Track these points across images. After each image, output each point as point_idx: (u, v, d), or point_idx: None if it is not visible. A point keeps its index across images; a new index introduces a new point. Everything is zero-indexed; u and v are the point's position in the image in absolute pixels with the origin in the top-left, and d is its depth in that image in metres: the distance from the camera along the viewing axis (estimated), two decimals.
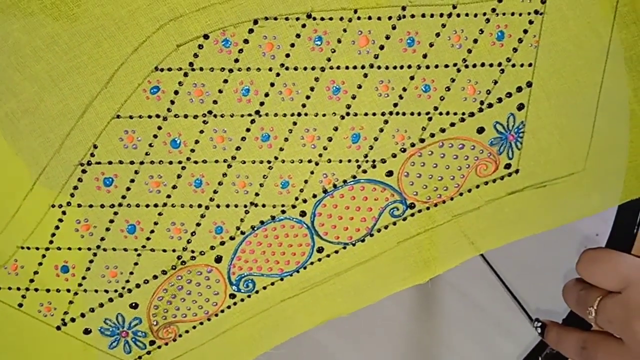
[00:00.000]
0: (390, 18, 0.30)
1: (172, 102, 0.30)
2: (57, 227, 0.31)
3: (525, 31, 0.32)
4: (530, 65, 0.32)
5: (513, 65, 0.32)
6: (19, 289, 0.32)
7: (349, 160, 0.33)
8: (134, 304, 0.33)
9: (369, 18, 0.30)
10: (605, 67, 0.33)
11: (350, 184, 0.33)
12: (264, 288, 0.34)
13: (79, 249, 0.32)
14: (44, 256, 0.31)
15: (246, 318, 0.35)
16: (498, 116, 0.33)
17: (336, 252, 0.34)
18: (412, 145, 0.33)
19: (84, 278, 0.32)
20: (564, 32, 0.32)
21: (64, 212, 0.31)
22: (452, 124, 0.33)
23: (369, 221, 0.34)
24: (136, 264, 0.32)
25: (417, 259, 0.35)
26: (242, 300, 0.34)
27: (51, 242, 0.31)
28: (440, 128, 0.33)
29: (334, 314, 0.35)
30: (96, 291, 0.32)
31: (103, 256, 0.32)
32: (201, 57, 0.29)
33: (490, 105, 0.33)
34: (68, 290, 0.32)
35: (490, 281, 0.38)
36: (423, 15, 0.31)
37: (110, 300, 0.33)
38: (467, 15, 0.31)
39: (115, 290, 0.33)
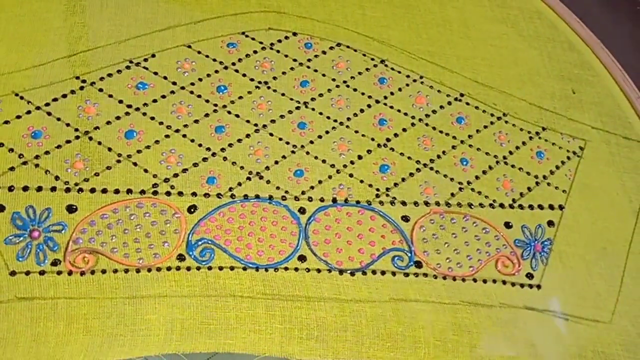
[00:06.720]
0: (448, 96, 0.38)
1: (240, 60, 0.36)
2: (64, 96, 0.33)
3: (563, 162, 0.38)
4: (564, 191, 0.37)
5: (548, 184, 0.37)
6: None
7: (370, 185, 0.35)
8: (74, 207, 0.30)
9: (431, 87, 0.38)
10: (635, 229, 0.37)
11: (362, 207, 0.34)
12: (220, 269, 0.31)
13: (74, 128, 0.32)
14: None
15: (185, 294, 0.30)
16: (527, 220, 0.36)
17: (318, 270, 0.32)
18: (437, 204, 0.35)
19: (46, 153, 0.31)
20: (597, 182, 0.38)
21: (82, 87, 0.33)
22: (482, 205, 0.35)
23: (366, 255, 0.33)
24: (109, 167, 0.32)
25: (404, 334, 0.31)
26: (188, 269, 0.31)
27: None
28: (468, 203, 0.35)
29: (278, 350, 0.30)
30: (47, 172, 0.31)
31: (84, 142, 0.32)
32: None
33: (521, 207, 0.36)
34: (20, 156, 0.31)
35: None
36: (477, 107, 0.38)
37: (53, 189, 0.31)
38: (514, 125, 0.38)
39: (67, 182, 0.31)
